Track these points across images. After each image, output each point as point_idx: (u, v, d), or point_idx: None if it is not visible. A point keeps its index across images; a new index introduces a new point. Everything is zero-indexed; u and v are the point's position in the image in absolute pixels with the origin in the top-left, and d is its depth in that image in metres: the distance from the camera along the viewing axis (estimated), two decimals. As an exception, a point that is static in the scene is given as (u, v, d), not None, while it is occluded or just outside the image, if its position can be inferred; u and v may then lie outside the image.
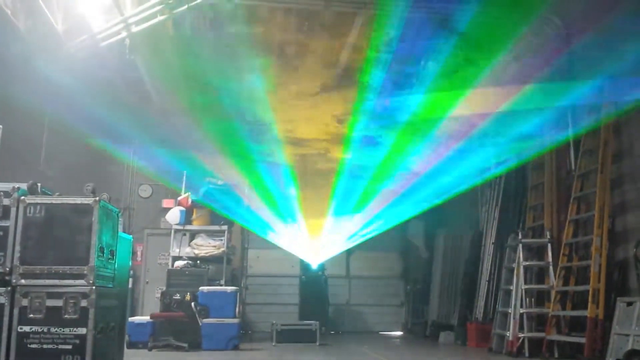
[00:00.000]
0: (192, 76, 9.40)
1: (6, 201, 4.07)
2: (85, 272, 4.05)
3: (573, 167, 8.53)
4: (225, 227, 10.98)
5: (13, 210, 4.07)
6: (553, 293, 8.26)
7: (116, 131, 10.57)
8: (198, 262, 10.68)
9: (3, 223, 4.05)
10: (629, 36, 6.91)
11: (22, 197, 4.09)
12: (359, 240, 12.88)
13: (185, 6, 7.95)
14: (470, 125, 9.98)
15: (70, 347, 3.94)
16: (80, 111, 9.05)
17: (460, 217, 11.31)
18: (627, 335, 6.57)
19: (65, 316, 3.98)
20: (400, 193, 12.24)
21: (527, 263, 8.90)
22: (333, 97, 9.72)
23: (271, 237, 12.52)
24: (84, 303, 4.00)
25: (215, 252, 10.88)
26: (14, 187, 4.12)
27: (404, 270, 14.72)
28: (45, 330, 3.95)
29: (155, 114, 10.69)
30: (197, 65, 9.05)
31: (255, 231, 12.31)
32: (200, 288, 9.57)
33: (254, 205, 12.06)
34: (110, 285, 4.43)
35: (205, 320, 9.23)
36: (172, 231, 11.16)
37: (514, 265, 9.04)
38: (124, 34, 8.41)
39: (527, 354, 8.26)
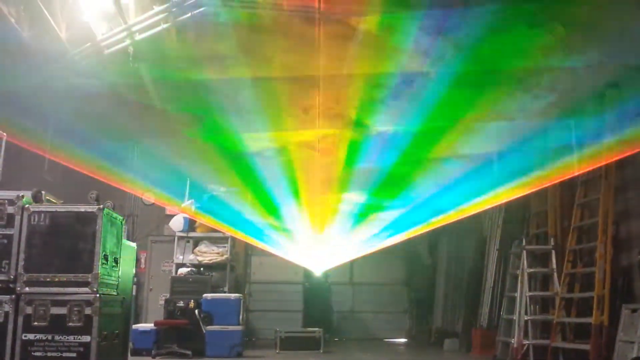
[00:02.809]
0: (196, 83, 9.42)
1: (10, 209, 4.08)
2: (89, 279, 4.05)
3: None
4: (228, 234, 10.97)
5: (17, 218, 4.08)
6: (557, 300, 8.23)
7: (120, 139, 10.59)
8: (201, 269, 10.69)
9: (7, 231, 4.06)
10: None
11: (27, 205, 4.09)
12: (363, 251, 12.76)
13: (189, 14, 7.98)
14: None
15: (74, 355, 3.95)
16: (84, 119, 9.08)
17: (464, 223, 11.26)
18: (632, 342, 6.54)
19: (70, 324, 3.99)
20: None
21: (532, 270, 8.87)
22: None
23: (274, 246, 12.45)
24: (88, 311, 4.01)
25: (219, 259, 10.88)
26: (18, 195, 4.12)
27: (407, 276, 14.65)
28: (50, 338, 3.96)
29: (159, 121, 10.70)
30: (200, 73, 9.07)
31: (257, 240, 12.25)
32: (204, 295, 9.56)
33: (255, 213, 12.03)
34: (114, 293, 4.44)
35: (209, 328, 9.22)
36: (176, 238, 11.17)
37: (518, 272, 9.01)
38: (127, 41, 8.44)
39: (531, 361, 8.24)
